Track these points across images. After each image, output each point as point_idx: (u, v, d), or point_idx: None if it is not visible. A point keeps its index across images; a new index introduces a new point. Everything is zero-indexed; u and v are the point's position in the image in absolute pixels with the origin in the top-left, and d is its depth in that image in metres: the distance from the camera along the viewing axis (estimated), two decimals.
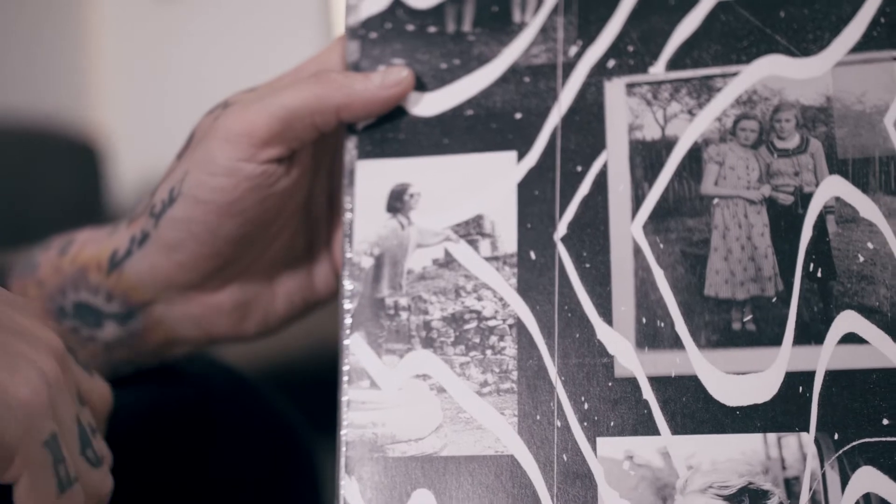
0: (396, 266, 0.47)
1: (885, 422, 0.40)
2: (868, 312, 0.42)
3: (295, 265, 0.52)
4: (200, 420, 0.54)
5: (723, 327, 0.43)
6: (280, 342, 0.64)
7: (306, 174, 0.49)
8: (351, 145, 0.48)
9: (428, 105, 0.48)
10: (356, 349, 0.46)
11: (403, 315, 0.46)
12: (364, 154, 0.48)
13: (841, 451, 0.40)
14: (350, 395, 0.45)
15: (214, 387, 0.56)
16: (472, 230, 0.46)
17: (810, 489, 0.40)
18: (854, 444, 0.40)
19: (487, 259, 0.46)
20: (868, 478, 0.40)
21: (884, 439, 0.40)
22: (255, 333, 0.52)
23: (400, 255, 0.47)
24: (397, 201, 0.47)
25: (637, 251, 0.44)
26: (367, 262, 0.47)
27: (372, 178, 0.48)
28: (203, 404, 0.54)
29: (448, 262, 0.46)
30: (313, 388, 0.69)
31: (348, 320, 0.46)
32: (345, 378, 0.45)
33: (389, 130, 0.48)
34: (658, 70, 0.46)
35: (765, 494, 0.41)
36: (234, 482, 0.55)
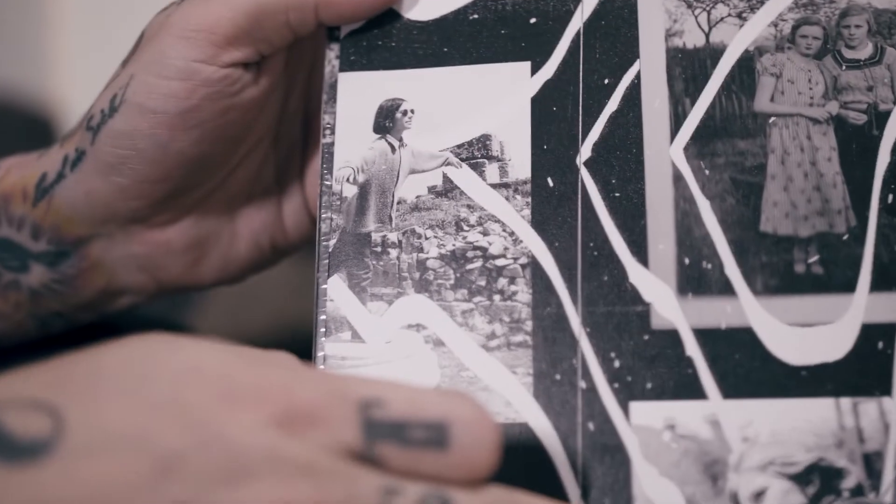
0: (385, 195, 0.38)
1: None
2: None
3: (262, 200, 0.43)
4: None
5: (783, 270, 0.35)
6: (250, 301, 0.56)
7: (277, 89, 0.41)
8: (332, 55, 0.40)
9: (425, 7, 0.39)
10: (335, 294, 0.37)
11: (393, 253, 0.37)
12: (348, 65, 0.39)
13: None
14: (327, 349, 0.37)
15: None
16: (476, 152, 0.38)
17: (895, 466, 0.32)
18: None
19: (495, 186, 0.37)
20: None
21: None
22: (212, 280, 0.43)
23: (389, 183, 0.38)
24: (387, 120, 0.39)
25: (678, 178, 0.36)
26: (350, 191, 0.38)
27: (357, 94, 0.39)
28: None
29: (447, 189, 0.38)
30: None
31: (326, 260, 0.38)
32: (321, 329, 0.37)
33: (379, 37, 0.39)
34: None
35: (839, 473, 0.33)
36: None
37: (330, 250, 0.38)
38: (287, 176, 0.44)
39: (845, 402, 0.33)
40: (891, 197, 0.35)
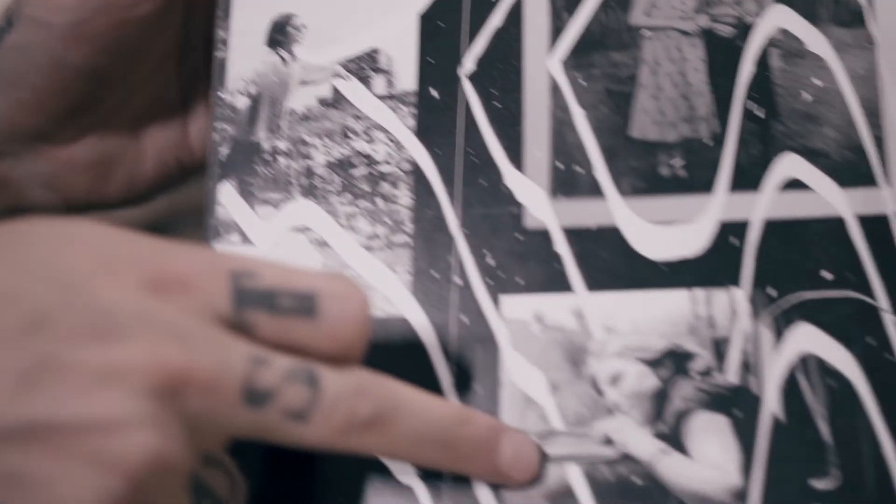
0: (276, 106, 0.47)
1: (827, 275, 0.42)
2: (812, 155, 0.43)
3: (167, 118, 0.52)
4: None
5: (649, 173, 0.44)
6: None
7: (176, 7, 0.50)
8: None
9: None
10: (226, 200, 0.46)
11: (282, 161, 0.46)
12: None
13: (776, 308, 0.42)
14: (222, 251, 0.46)
15: None
16: (364, 65, 0.47)
17: (741, 350, 0.42)
18: (791, 299, 0.42)
19: (382, 97, 0.47)
20: (805, 337, 0.41)
21: (824, 294, 0.42)
22: (119, 198, 0.52)
23: (280, 94, 0.47)
24: (279, 33, 0.48)
25: (554, 89, 0.46)
26: (242, 102, 0.47)
27: (250, 9, 0.48)
28: None
29: (336, 100, 0.47)
30: None
31: (217, 169, 0.47)
32: (211, 233, 0.46)
33: None
34: None
35: (690, 357, 0.42)
36: None
37: (221, 159, 0.47)
38: (192, 94, 0.53)
39: (699, 293, 0.43)
40: (752, 104, 0.44)
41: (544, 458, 0.41)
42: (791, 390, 0.41)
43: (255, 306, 0.36)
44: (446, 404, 0.40)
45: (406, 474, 0.42)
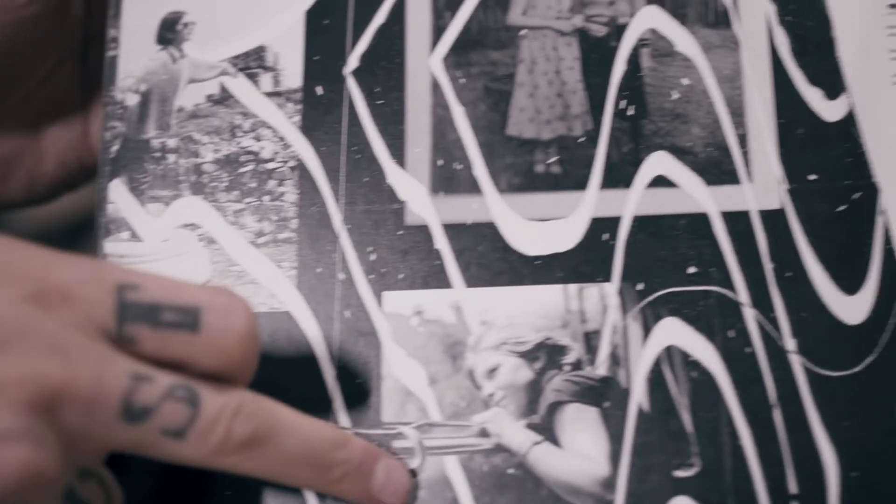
0: (165, 104, 0.48)
1: (692, 270, 0.44)
2: (680, 153, 0.45)
3: (67, 119, 0.53)
4: None
5: (525, 170, 0.45)
6: None
7: (72, 7, 0.50)
8: None
9: None
10: (116, 197, 0.47)
11: (171, 158, 0.47)
12: None
13: (644, 302, 0.44)
14: (107, 248, 0.47)
15: None
16: (252, 63, 0.48)
17: (611, 343, 0.43)
18: (658, 294, 0.44)
19: (268, 94, 0.48)
20: (671, 329, 0.43)
21: (689, 289, 0.43)
22: (20, 199, 0.53)
23: (170, 92, 0.48)
24: (169, 31, 0.49)
25: (435, 86, 0.47)
26: (133, 100, 0.48)
27: (141, 7, 0.49)
28: None
29: (224, 98, 0.48)
30: None
31: (108, 167, 0.48)
32: (102, 231, 0.47)
33: None
34: None
35: (562, 350, 0.44)
36: None
37: (112, 156, 0.47)
38: (93, 94, 0.53)
39: (572, 288, 0.44)
40: (623, 103, 0.46)
41: (415, 486, 0.43)
42: (657, 382, 0.43)
43: (139, 320, 0.37)
44: (324, 428, 0.41)
45: None
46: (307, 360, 0.45)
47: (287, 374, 0.44)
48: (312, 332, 0.45)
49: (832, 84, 0.45)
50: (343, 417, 0.44)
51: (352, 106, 0.47)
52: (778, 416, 0.42)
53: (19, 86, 0.50)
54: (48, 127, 0.52)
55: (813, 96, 0.45)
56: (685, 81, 0.46)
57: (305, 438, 0.39)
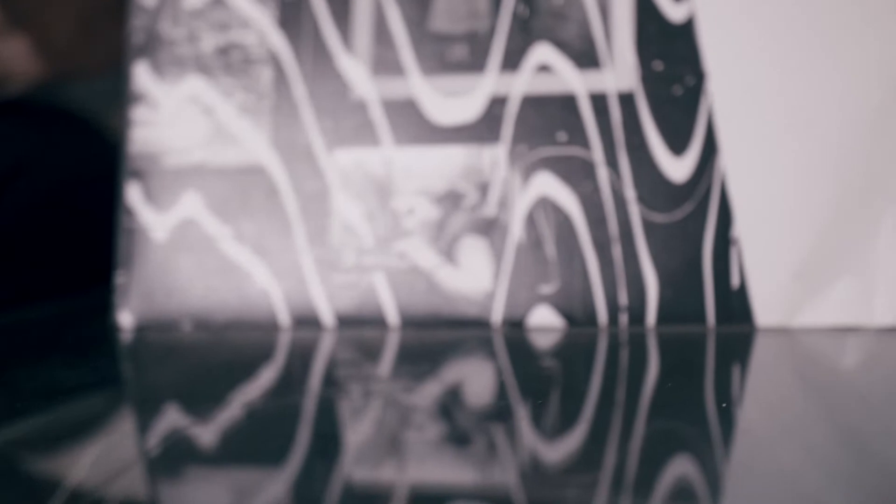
0: (176, 4, 0.61)
1: (562, 137, 0.56)
2: (560, 45, 0.57)
3: None
4: None
5: (442, 57, 0.58)
6: None
7: None
8: None
9: None
10: (139, 77, 0.61)
11: (182, 46, 0.61)
12: None
13: (525, 161, 0.56)
14: (135, 115, 0.61)
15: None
16: None
17: (499, 191, 0.56)
18: (536, 154, 0.56)
19: None
20: (544, 182, 0.56)
21: (559, 151, 0.56)
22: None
23: None
24: None
25: None
26: (151, 3, 0.61)
27: None
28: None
29: (219, 1, 0.61)
30: None
31: (135, 52, 0.61)
32: (129, 101, 0.61)
33: None
34: None
35: (463, 196, 0.57)
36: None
37: (138, 46, 0.61)
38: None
39: (473, 149, 0.57)
40: (518, 5, 0.57)
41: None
42: (530, 221, 0.56)
43: None
44: None
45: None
46: (276, 202, 0.59)
47: (262, 210, 0.58)
48: (283, 182, 0.59)
49: None
50: (302, 241, 0.58)
51: (312, 5, 0.60)
52: (617, 249, 0.55)
53: None
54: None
55: (664, 1, 0.56)
56: None
57: None
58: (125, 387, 0.54)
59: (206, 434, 0.43)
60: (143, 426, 0.46)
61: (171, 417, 0.46)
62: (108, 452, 0.42)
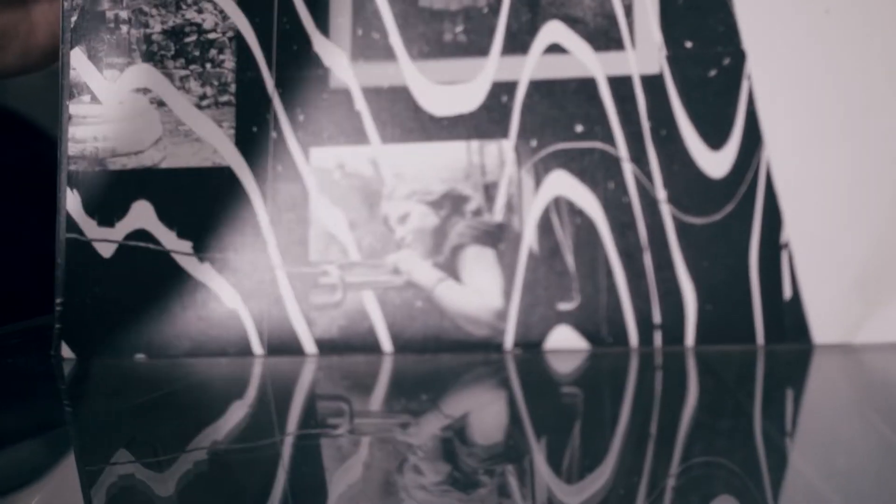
0: None
1: (579, 129, 0.48)
2: (572, 22, 0.48)
3: None
4: None
5: (435, 38, 0.49)
6: None
7: None
8: None
9: None
10: (77, 64, 0.51)
11: (124, 28, 0.51)
12: None
13: (537, 157, 0.48)
14: (71, 110, 0.51)
15: None
16: None
17: (507, 193, 0.48)
18: (549, 149, 0.48)
19: None
20: (559, 181, 0.47)
21: (576, 145, 0.47)
22: (15, 67, 0.57)
23: None
24: None
25: None
26: None
27: None
28: None
29: None
30: None
31: (68, 34, 0.51)
32: (66, 93, 0.51)
33: None
34: None
35: (464, 199, 0.48)
36: None
37: (72, 26, 0.51)
38: None
39: (474, 144, 0.48)
40: None
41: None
42: (545, 227, 0.48)
43: None
44: None
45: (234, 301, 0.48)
46: (244, 207, 0.49)
47: (227, 220, 0.49)
48: (249, 184, 0.49)
49: None
50: (275, 255, 0.49)
51: None
52: (648, 258, 0.47)
53: None
54: (38, 2, 0.56)
55: None
56: None
57: None
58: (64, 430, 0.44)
59: (162, 488, 0.34)
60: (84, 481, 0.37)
61: (116, 470, 0.37)
62: None
